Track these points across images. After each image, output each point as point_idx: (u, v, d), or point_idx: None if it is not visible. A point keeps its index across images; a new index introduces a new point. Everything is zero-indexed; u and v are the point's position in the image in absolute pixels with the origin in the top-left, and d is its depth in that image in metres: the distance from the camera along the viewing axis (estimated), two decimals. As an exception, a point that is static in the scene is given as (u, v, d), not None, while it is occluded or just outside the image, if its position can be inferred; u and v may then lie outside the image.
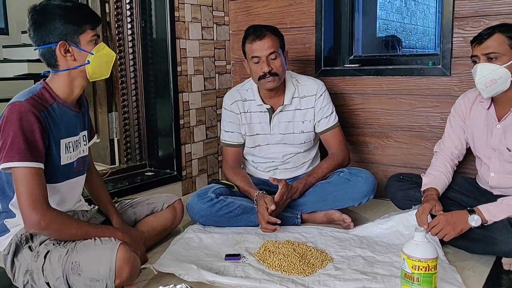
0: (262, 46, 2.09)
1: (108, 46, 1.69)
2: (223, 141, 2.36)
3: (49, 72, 1.61)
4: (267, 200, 2.00)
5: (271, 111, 2.25)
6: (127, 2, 2.58)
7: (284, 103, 2.22)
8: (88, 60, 1.57)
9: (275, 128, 2.25)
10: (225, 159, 2.36)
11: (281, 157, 2.29)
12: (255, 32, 2.12)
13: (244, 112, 2.29)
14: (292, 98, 2.23)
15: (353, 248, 1.87)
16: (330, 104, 2.27)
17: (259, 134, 2.29)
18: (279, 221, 2.01)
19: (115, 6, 2.57)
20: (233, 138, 2.32)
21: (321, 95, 2.24)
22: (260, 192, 2.08)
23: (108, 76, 1.69)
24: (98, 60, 1.59)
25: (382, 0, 5.03)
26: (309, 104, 2.24)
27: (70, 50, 1.54)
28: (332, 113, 2.26)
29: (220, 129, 2.41)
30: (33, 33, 1.53)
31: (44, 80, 1.60)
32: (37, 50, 1.55)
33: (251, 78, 2.26)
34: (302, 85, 2.25)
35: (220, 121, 2.91)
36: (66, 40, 1.53)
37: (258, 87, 2.25)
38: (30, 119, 1.45)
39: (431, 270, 1.32)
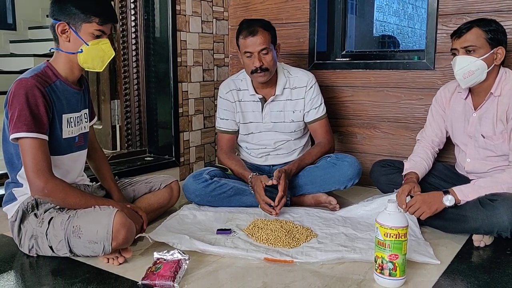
0: (254, 43, 2.20)
1: (112, 40, 1.78)
2: (218, 128, 2.48)
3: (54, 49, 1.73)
4: (263, 178, 2.11)
5: (263, 100, 2.38)
6: (131, -5, 2.73)
7: (276, 94, 2.35)
8: (81, 49, 1.67)
9: (266, 116, 2.38)
10: (220, 145, 2.48)
11: (273, 144, 2.41)
12: (248, 27, 2.22)
13: (238, 101, 2.41)
14: (284, 89, 2.35)
15: (336, 227, 1.98)
16: (319, 96, 2.39)
17: (252, 122, 2.41)
18: (273, 203, 2.08)
19: (120, -1, 2.71)
20: (227, 125, 2.44)
21: (311, 87, 2.36)
22: (254, 174, 2.20)
23: (100, 70, 1.77)
24: (92, 53, 1.68)
25: (380, 3, 5.16)
26: (300, 95, 2.36)
27: (67, 32, 1.66)
28: (321, 104, 2.39)
29: (216, 117, 2.52)
30: (51, 5, 1.67)
31: (48, 60, 1.73)
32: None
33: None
34: (294, 76, 2.38)
35: (217, 111, 3.03)
36: (69, 22, 1.65)
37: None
38: (35, 93, 1.57)
39: (401, 237, 1.43)
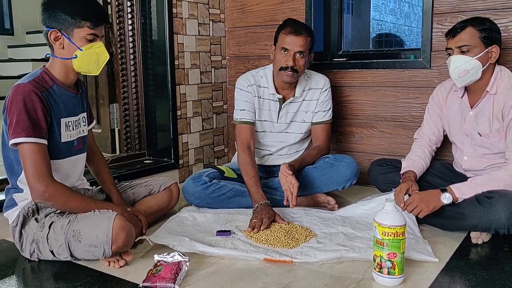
0: (295, 42, 2.19)
1: (110, 44, 1.77)
2: (239, 120, 2.35)
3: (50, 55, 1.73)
4: (278, 217, 2.00)
5: (282, 101, 2.37)
6: (127, -1, 2.74)
7: (295, 95, 2.36)
8: (75, 55, 1.67)
9: (282, 117, 2.38)
10: (240, 138, 2.33)
11: (278, 145, 2.43)
12: (294, 26, 2.22)
13: (258, 97, 2.37)
14: (302, 91, 2.37)
15: (335, 226, 1.99)
16: (330, 101, 2.42)
17: (266, 120, 2.40)
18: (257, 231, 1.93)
19: (117, 3, 2.72)
20: (249, 115, 2.35)
21: (326, 90, 2.40)
22: (267, 202, 2.08)
23: (97, 73, 1.77)
24: (86, 57, 1.68)
25: (376, 2, 5.17)
26: (314, 96, 2.38)
27: (61, 39, 1.65)
28: (330, 109, 2.42)
29: (234, 109, 2.39)
30: (41, 13, 1.66)
31: (44, 65, 1.74)
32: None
33: (266, 66, 2.41)
34: (312, 78, 2.40)
35: (216, 113, 3.06)
36: (61, 29, 1.64)
37: (273, 76, 2.35)
38: (33, 98, 1.58)
39: (399, 236, 1.44)
